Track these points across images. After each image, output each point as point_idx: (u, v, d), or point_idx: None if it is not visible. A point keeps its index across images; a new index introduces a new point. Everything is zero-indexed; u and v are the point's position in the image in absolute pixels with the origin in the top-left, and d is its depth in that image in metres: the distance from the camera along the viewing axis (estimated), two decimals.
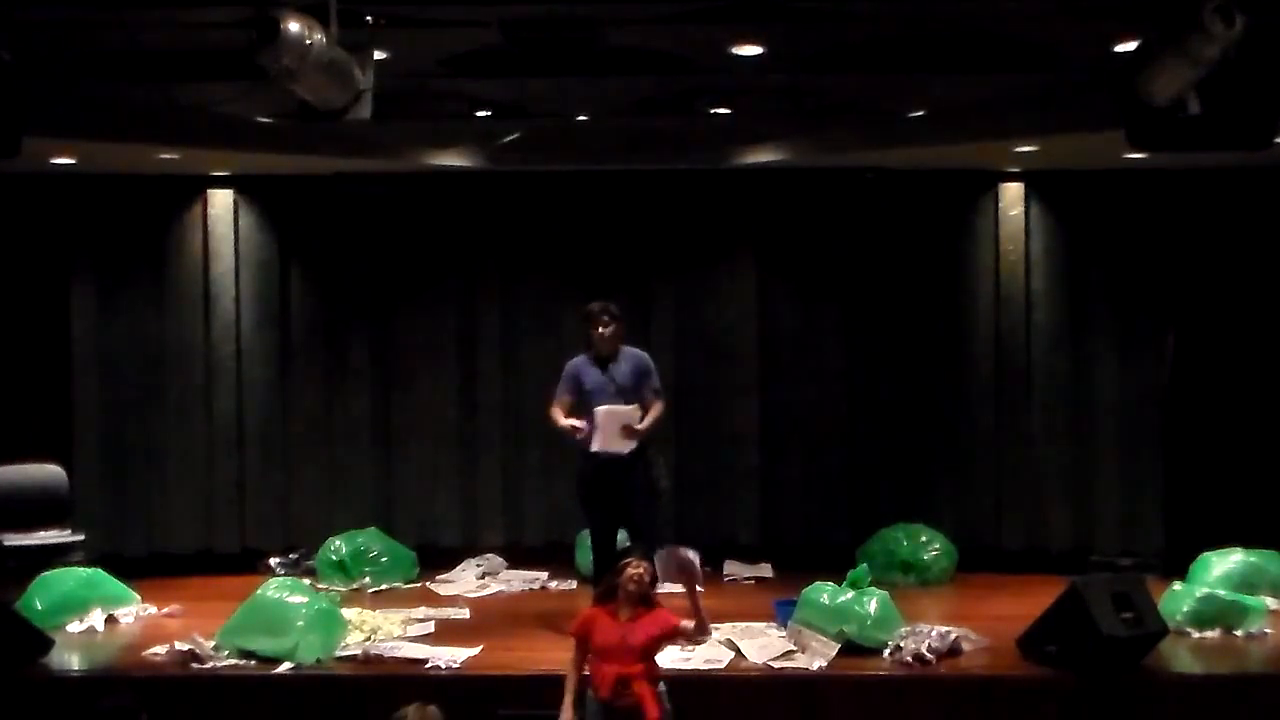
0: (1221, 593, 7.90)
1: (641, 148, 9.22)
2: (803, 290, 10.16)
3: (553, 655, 6.95)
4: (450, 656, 7.20)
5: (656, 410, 7.78)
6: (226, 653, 7.21)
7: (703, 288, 10.19)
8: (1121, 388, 9.78)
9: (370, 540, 9.58)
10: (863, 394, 10.06)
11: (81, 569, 8.52)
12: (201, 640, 7.28)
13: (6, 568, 8.53)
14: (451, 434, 10.21)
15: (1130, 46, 6.11)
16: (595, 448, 7.60)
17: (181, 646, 7.28)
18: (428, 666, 7.08)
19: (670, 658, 6.85)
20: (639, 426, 7.65)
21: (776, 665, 7.08)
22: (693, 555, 6.16)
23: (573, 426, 7.72)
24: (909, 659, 7.02)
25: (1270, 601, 8.11)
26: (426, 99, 8.08)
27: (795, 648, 7.25)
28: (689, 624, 6.03)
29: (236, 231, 10.06)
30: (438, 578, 9.61)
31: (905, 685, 6.91)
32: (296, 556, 9.76)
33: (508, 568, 9.84)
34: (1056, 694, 6.83)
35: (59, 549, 8.86)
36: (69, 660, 7.45)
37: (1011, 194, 9.90)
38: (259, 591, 7.42)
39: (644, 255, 10.12)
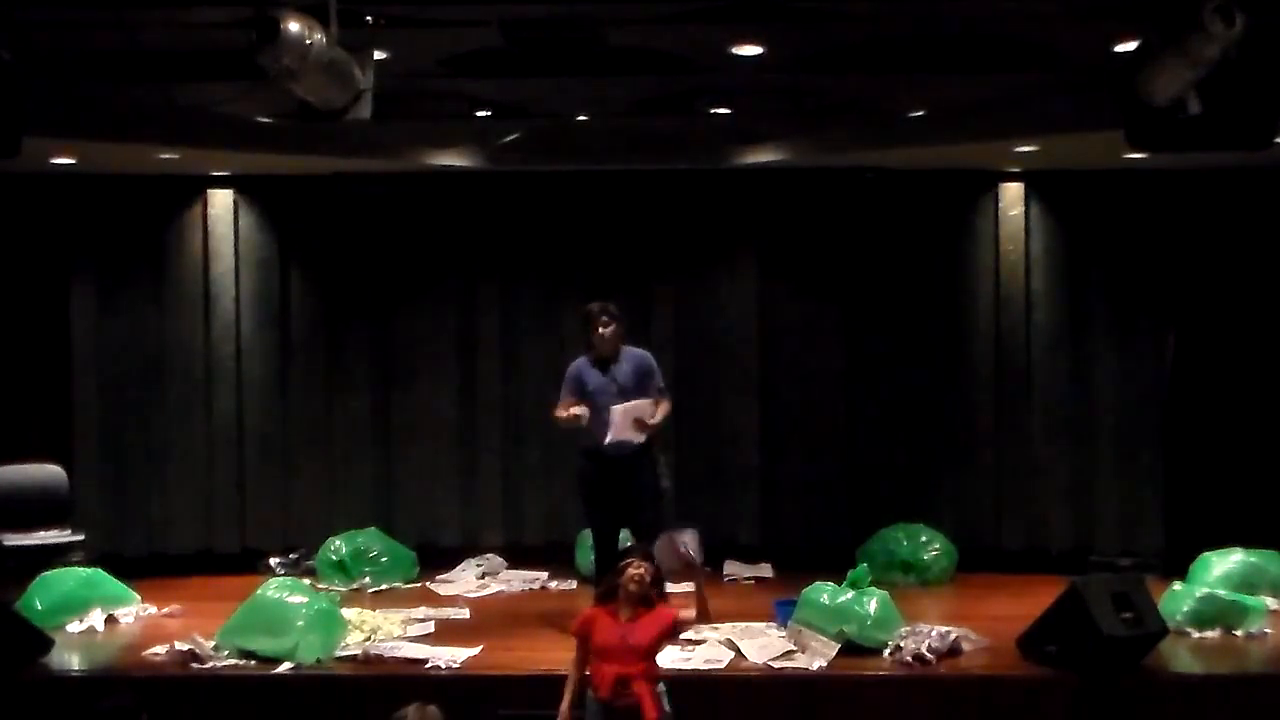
0: (1221, 593, 7.90)
1: (641, 148, 9.22)
2: (803, 290, 10.16)
3: (553, 655, 6.95)
4: (450, 656, 7.20)
5: (664, 408, 7.80)
6: (226, 653, 7.21)
7: (703, 288, 10.19)
8: (1121, 388, 9.78)
9: (370, 540, 9.58)
10: (863, 394, 10.05)
11: (81, 569, 8.53)
12: (201, 640, 7.28)
13: (6, 568, 8.53)
14: (451, 434, 10.21)
15: (1130, 46, 6.11)
16: (609, 439, 7.60)
17: (181, 646, 7.28)
18: (428, 666, 7.09)
19: (670, 658, 6.86)
20: (651, 421, 7.66)
21: (776, 665, 7.08)
22: (689, 538, 6.16)
23: (573, 415, 7.72)
24: (909, 659, 7.03)
25: (1270, 601, 8.11)
26: (426, 99, 8.08)
27: (795, 648, 7.25)
28: (689, 612, 6.04)
29: (236, 231, 10.07)
30: (438, 578, 9.61)
31: (905, 685, 6.92)
32: (296, 556, 9.76)
33: (508, 568, 9.84)
34: (1056, 694, 6.83)
35: (59, 549, 8.87)
36: (69, 660, 7.45)
37: (1011, 194, 9.90)
38: (259, 591, 7.42)
39: (644, 255, 10.12)
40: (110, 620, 8.23)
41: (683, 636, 7.36)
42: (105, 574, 8.53)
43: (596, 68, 7.37)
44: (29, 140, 6.47)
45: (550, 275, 10.16)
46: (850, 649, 7.13)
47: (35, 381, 9.77)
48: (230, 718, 6.95)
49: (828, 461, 10.08)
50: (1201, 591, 7.89)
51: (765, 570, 9.69)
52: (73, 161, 8.99)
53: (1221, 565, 8.23)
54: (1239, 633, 7.73)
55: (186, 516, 9.99)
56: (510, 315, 10.21)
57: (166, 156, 8.92)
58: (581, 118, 8.70)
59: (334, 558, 9.46)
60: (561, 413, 7.76)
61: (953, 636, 7.26)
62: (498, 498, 10.21)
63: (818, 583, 7.47)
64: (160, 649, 7.38)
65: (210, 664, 7.14)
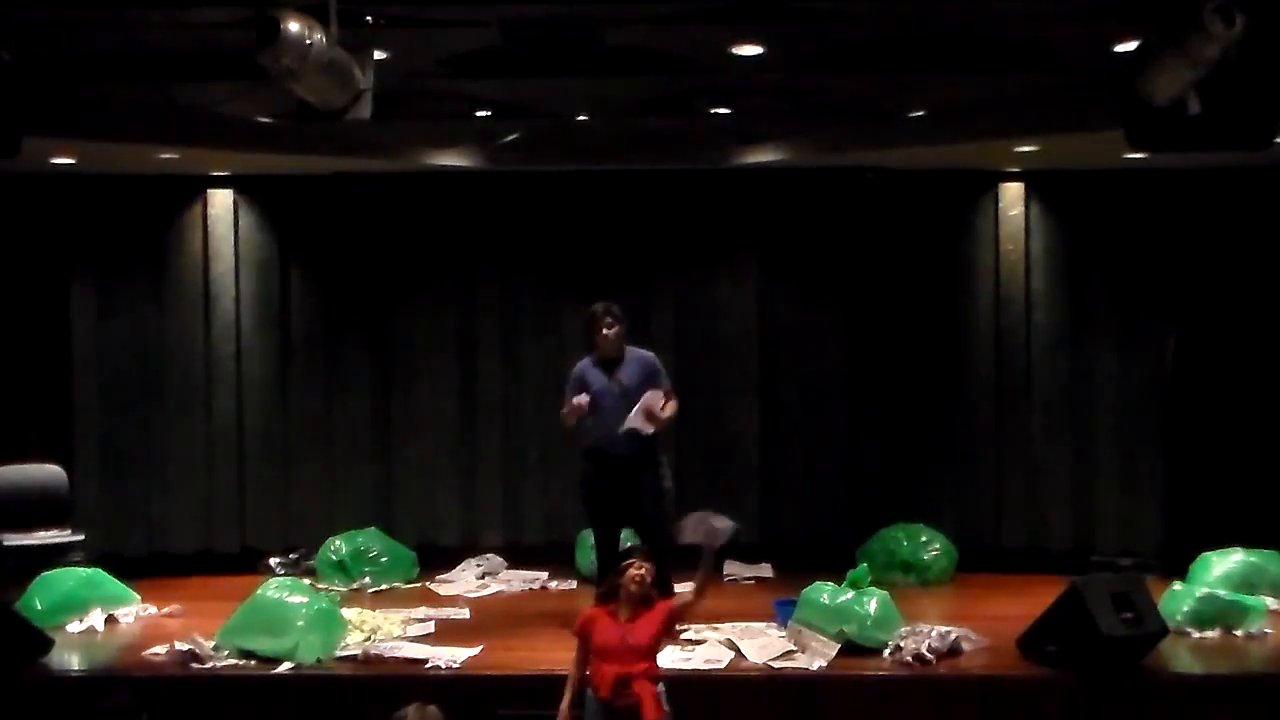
0: (1221, 593, 7.90)
1: (641, 148, 9.22)
2: (803, 290, 10.16)
3: (553, 655, 6.94)
4: (450, 656, 7.20)
5: (671, 406, 7.81)
6: (226, 653, 7.21)
7: (703, 288, 10.19)
8: (1121, 388, 9.77)
9: (370, 540, 9.58)
10: (863, 394, 10.05)
11: (81, 569, 8.53)
12: (201, 640, 7.28)
13: (6, 568, 8.53)
14: (451, 434, 10.21)
15: (1130, 46, 6.10)
16: (624, 429, 7.62)
17: (181, 646, 7.28)
18: (428, 666, 7.08)
19: (670, 658, 6.87)
20: (661, 414, 7.67)
21: (776, 665, 7.08)
22: (724, 525, 6.15)
23: (578, 404, 7.73)
24: (909, 659, 7.02)
25: (1270, 601, 8.11)
26: (426, 99, 8.08)
27: (795, 648, 7.25)
28: (686, 595, 6.06)
29: (236, 231, 10.06)
30: (438, 578, 9.61)
31: (905, 685, 6.91)
32: (296, 556, 9.76)
33: (508, 568, 9.84)
34: (1056, 694, 6.83)
35: (59, 549, 8.86)
36: (69, 660, 7.45)
37: (1011, 194, 9.90)
38: (259, 591, 7.42)
39: (644, 255, 10.12)
40: (110, 620, 8.23)
41: (683, 637, 7.40)
42: (105, 574, 8.53)
43: (596, 68, 7.37)
44: (29, 140, 6.47)
45: (550, 275, 10.16)
46: (850, 649, 7.13)
47: (35, 381, 9.77)
48: (230, 718, 6.95)
49: (828, 462, 10.08)
50: (1201, 591, 7.89)
51: (765, 570, 9.69)
52: (73, 161, 8.99)
53: (1221, 565, 8.23)
54: (1239, 633, 7.73)
55: (186, 516, 9.99)
56: (510, 315, 10.21)
57: (166, 156, 8.92)
58: (581, 118, 8.70)
59: (334, 558, 9.46)
60: (567, 411, 7.78)
61: (953, 636, 7.26)
62: (498, 498, 10.21)
63: (818, 583, 7.48)
64: (160, 649, 7.38)
65: (210, 664, 7.14)
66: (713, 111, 8.46)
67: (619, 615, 5.96)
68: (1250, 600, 7.90)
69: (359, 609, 8.29)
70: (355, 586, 9.25)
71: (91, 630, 8.07)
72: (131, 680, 6.89)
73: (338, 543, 9.53)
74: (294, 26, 5.31)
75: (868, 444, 10.03)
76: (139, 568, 9.39)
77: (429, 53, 7.21)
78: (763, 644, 7.34)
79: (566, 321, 10.04)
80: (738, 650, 7.26)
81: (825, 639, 7.15)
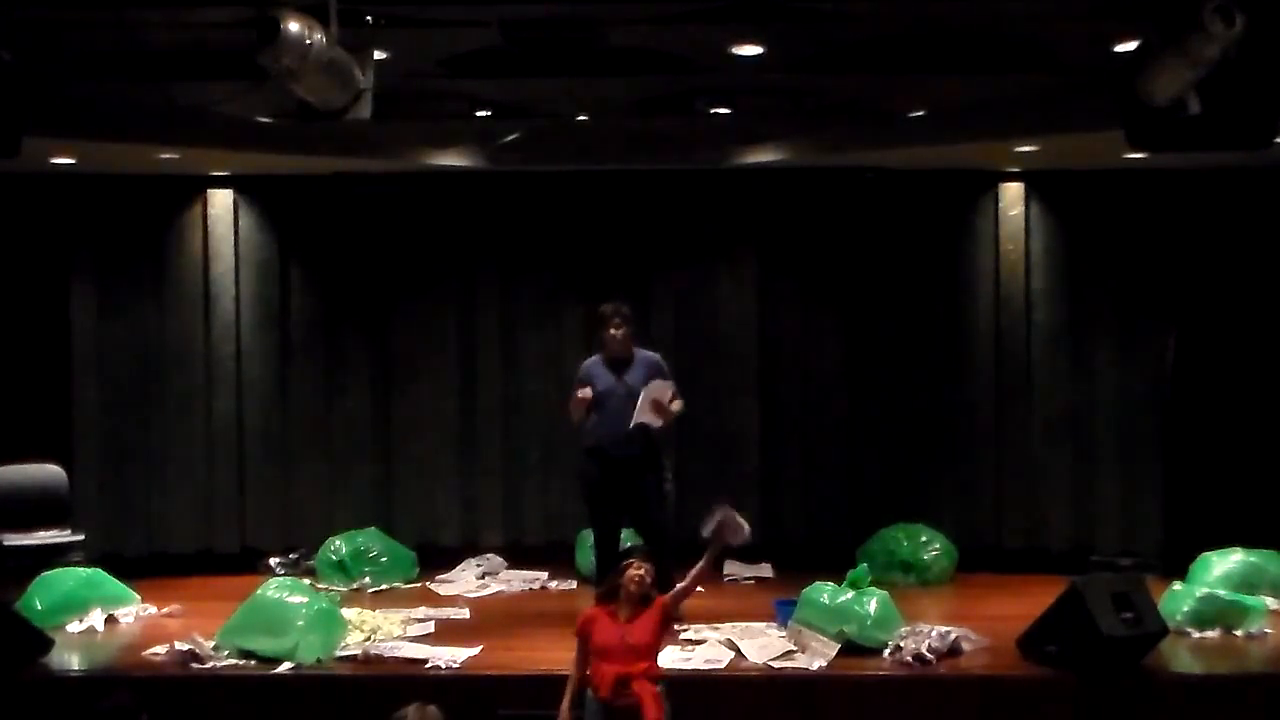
0: (1221, 593, 7.90)
1: (641, 148, 9.22)
2: (803, 290, 10.16)
3: (553, 655, 6.94)
4: (450, 656, 7.20)
5: (678, 404, 7.82)
6: (226, 653, 7.20)
7: (703, 288, 10.19)
8: (1121, 388, 9.77)
9: (370, 540, 9.58)
10: (863, 394, 10.05)
11: (81, 569, 8.53)
12: (201, 640, 7.28)
13: (6, 568, 8.53)
14: (451, 434, 10.21)
15: (1130, 46, 6.11)
16: (633, 422, 7.62)
17: (181, 646, 7.28)
18: (428, 666, 7.08)
19: (670, 658, 6.86)
20: (670, 405, 7.66)
21: (776, 665, 7.08)
22: (744, 524, 6.18)
23: (580, 397, 7.75)
24: (909, 659, 7.02)
25: (1270, 601, 8.10)
26: (426, 99, 8.08)
27: (795, 648, 7.25)
28: (681, 584, 6.08)
29: (236, 231, 10.06)
30: (438, 578, 9.61)
31: (905, 685, 6.91)
32: (296, 556, 9.76)
33: (508, 568, 9.84)
34: (1056, 694, 6.83)
35: (59, 549, 8.86)
36: (69, 660, 7.45)
37: (1011, 194, 9.90)
38: (259, 591, 7.42)
39: (644, 255, 10.12)
40: (110, 620, 8.23)
41: (683, 636, 7.40)
42: (105, 574, 8.53)
43: (596, 68, 7.37)
44: (29, 140, 6.47)
45: (550, 275, 10.16)
46: (850, 649, 7.13)
47: (35, 381, 9.76)
48: (230, 718, 6.95)
49: (828, 461, 10.08)
50: (1201, 591, 7.88)
51: (765, 570, 9.69)
52: (73, 161, 8.98)
53: (1221, 565, 8.23)
54: (1239, 633, 7.73)
55: (186, 516, 9.99)
56: (510, 315, 10.21)
57: (166, 156, 8.92)
58: (581, 118, 8.70)
59: (334, 558, 9.45)
60: (574, 408, 7.79)
61: (953, 636, 7.26)
62: (498, 498, 10.21)
63: (818, 583, 7.48)
64: (160, 649, 7.38)
65: (210, 664, 7.14)
66: (713, 111, 8.45)
67: (619, 615, 5.97)
68: (1250, 600, 7.89)
69: (359, 609, 8.29)
70: (355, 586, 9.25)
71: (91, 630, 8.07)
72: (131, 680, 6.89)
73: (338, 543, 9.53)
74: (294, 26, 5.32)
75: (868, 444, 10.03)
76: (139, 568, 9.39)
77: (429, 53, 7.21)
78: (763, 644, 7.34)
79: (566, 321, 10.07)
80: (738, 650, 7.26)
81: (825, 639, 7.15)
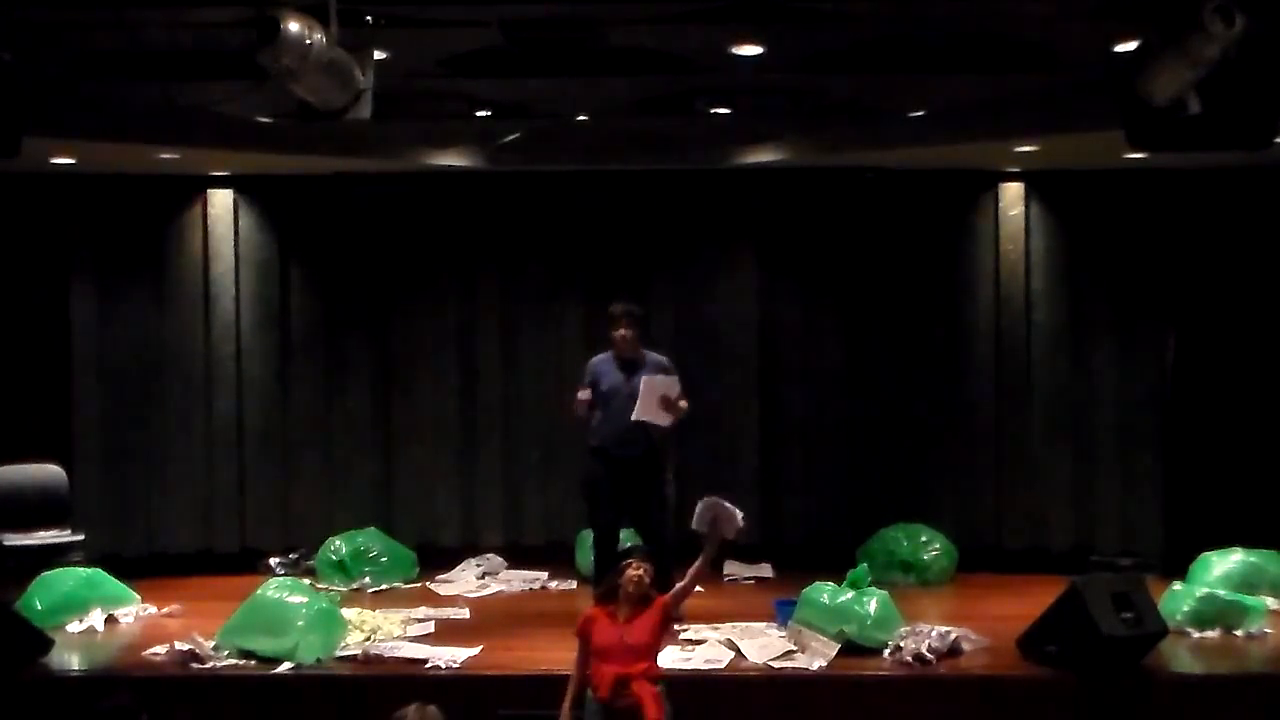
0: (1221, 593, 7.90)
1: (641, 148, 9.22)
2: (803, 290, 10.16)
3: (553, 655, 6.95)
4: (450, 656, 7.20)
5: (683, 405, 7.81)
6: (226, 653, 7.21)
7: (703, 287, 10.18)
8: (1121, 388, 9.78)
9: (370, 540, 9.58)
10: (863, 394, 10.05)
11: (81, 569, 8.53)
12: (201, 640, 7.28)
13: (6, 568, 8.53)
14: (451, 434, 10.21)
15: (1130, 46, 6.10)
16: (636, 417, 7.61)
17: (181, 646, 7.28)
18: (428, 666, 7.09)
19: (670, 658, 6.87)
20: (679, 402, 7.67)
21: (776, 665, 7.08)
22: (735, 514, 6.17)
23: (580, 400, 7.75)
24: (909, 659, 7.02)
25: (1270, 601, 8.11)
26: (426, 99, 8.08)
27: (795, 648, 7.25)
28: (681, 583, 6.08)
29: (236, 231, 10.06)
30: (438, 578, 9.61)
31: (905, 685, 6.91)
32: (296, 556, 9.76)
33: (508, 568, 9.84)
34: (1056, 694, 6.83)
35: (59, 549, 8.86)
36: (69, 660, 7.45)
37: (1011, 194, 9.90)
38: (259, 591, 7.42)
39: (644, 255, 10.12)
40: (110, 620, 8.23)
41: (683, 636, 7.40)
42: (105, 574, 8.53)
43: (596, 68, 7.37)
44: (29, 140, 6.48)
45: (550, 275, 10.16)
46: (850, 649, 7.13)
47: (35, 381, 9.76)
48: (230, 718, 6.95)
49: (828, 461, 10.08)
50: (1201, 591, 7.89)
51: (765, 570, 9.69)
52: (73, 161, 8.98)
53: (1221, 565, 8.23)
54: (1239, 633, 7.73)
55: (186, 516, 9.99)
56: (510, 315, 10.21)
57: (166, 156, 8.92)
58: (581, 118, 8.70)
59: (334, 558, 9.46)
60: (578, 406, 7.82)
61: (953, 636, 7.26)
62: (498, 498, 10.21)
63: (818, 583, 7.48)
64: (160, 649, 7.38)
65: (210, 664, 7.14)
66: (713, 111, 8.46)
67: (618, 616, 5.96)
68: (1250, 600, 7.90)
69: (359, 609, 8.29)
70: (355, 586, 9.25)
71: (91, 630, 8.07)
72: (131, 680, 6.89)
73: (338, 543, 9.53)
74: (294, 26, 5.31)
75: (868, 444, 10.02)
76: (139, 568, 9.39)
77: (429, 53, 7.21)
78: (763, 644, 7.34)
79: (567, 322, 10.07)
80: (738, 650, 7.26)
81: (825, 639, 7.15)
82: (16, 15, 6.15)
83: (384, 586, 9.33)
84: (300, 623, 7.14)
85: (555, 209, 10.13)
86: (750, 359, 10.15)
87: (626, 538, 7.99)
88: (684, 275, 10.18)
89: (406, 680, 6.81)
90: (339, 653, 7.26)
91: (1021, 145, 8.78)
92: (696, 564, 6.11)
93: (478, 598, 9.13)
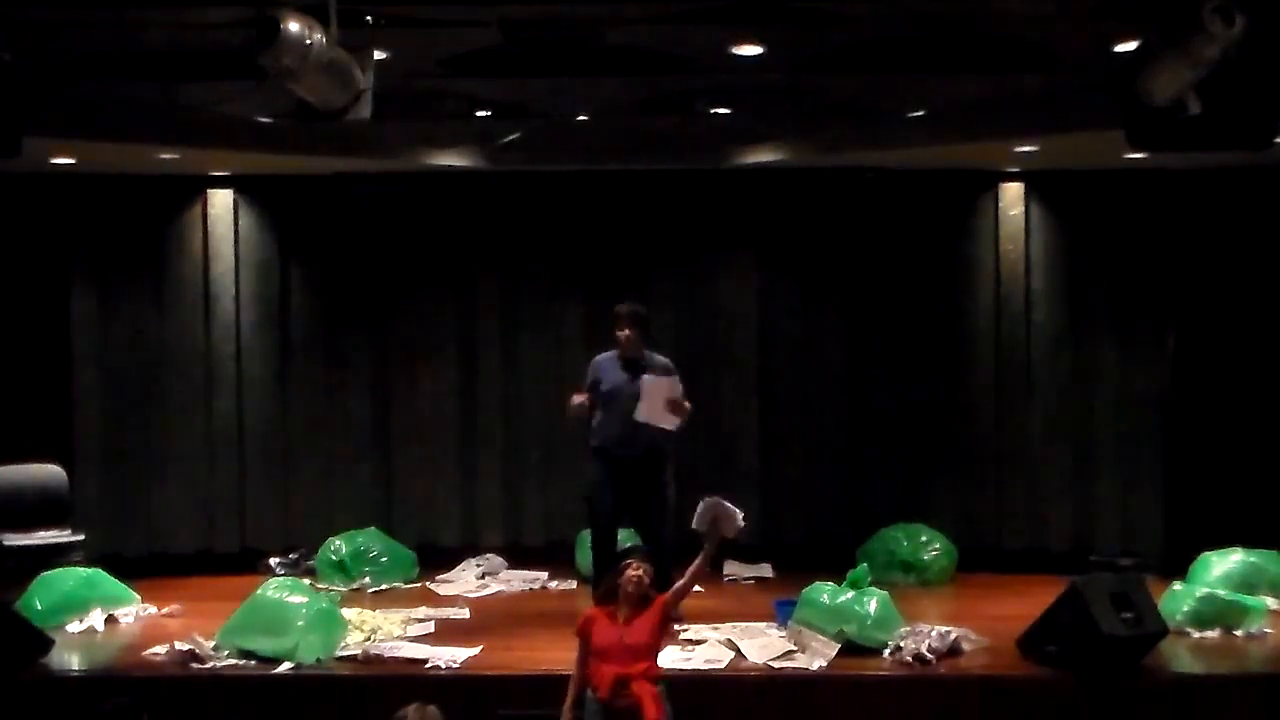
0: (1221, 593, 7.90)
1: (641, 148, 9.22)
2: (803, 290, 10.16)
3: (553, 655, 6.95)
4: (450, 656, 7.20)
5: (687, 407, 7.81)
6: (226, 653, 7.21)
7: (703, 287, 10.18)
8: (1121, 388, 9.78)
9: (370, 540, 9.58)
10: (863, 394, 10.05)
11: (81, 569, 8.52)
12: (201, 640, 7.28)
13: (6, 568, 8.53)
14: (451, 434, 10.20)
15: (1130, 46, 6.11)
16: (639, 418, 7.61)
17: (181, 646, 7.28)
18: (428, 666, 7.08)
19: (670, 658, 6.86)
20: (684, 403, 7.66)
21: (776, 665, 7.08)
22: (735, 513, 6.17)
23: (577, 404, 7.75)
24: (909, 659, 7.02)
25: (1270, 601, 8.10)
26: (426, 99, 8.08)
27: (795, 648, 7.25)
28: (680, 583, 6.08)
29: (236, 231, 10.06)
30: (438, 578, 9.60)
31: (905, 685, 6.91)
32: (296, 556, 9.75)
33: (508, 568, 9.83)
34: (1056, 694, 6.84)
35: (59, 549, 8.86)
36: (69, 660, 7.45)
37: (1011, 194, 9.90)
38: (259, 591, 7.42)
39: (644, 255, 10.12)
40: (110, 620, 8.22)
41: (683, 636, 7.40)
42: (105, 574, 8.53)
43: (596, 68, 7.37)
44: (29, 140, 6.48)
45: (550, 275, 10.16)
46: (850, 649, 7.13)
47: (35, 381, 9.77)
48: (230, 718, 6.94)
49: (828, 461, 10.08)
50: (1201, 591, 7.89)
51: (765, 570, 9.68)
52: (73, 161, 8.98)
53: (1221, 565, 8.23)
54: (1239, 633, 7.73)
55: (186, 516, 9.99)
56: (510, 315, 10.20)
57: (166, 156, 8.92)
58: (582, 118, 8.70)
59: (334, 558, 9.45)
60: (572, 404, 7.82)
61: (953, 636, 7.26)
62: (498, 498, 10.21)
63: (818, 583, 7.48)
64: (160, 649, 7.38)
65: (210, 664, 7.14)
66: (713, 111, 8.46)
67: (618, 616, 5.97)
68: (1250, 600, 7.89)
69: (359, 609, 8.29)
70: (355, 586, 9.24)
71: (91, 630, 8.06)
72: (131, 680, 6.90)
73: (338, 543, 9.53)
74: (294, 26, 5.32)
75: (868, 444, 10.02)
76: (139, 568, 9.39)
77: (429, 53, 7.21)
78: (763, 644, 7.34)
79: (567, 321, 10.07)
80: (738, 650, 7.26)
81: (825, 639, 7.15)
82: (16, 15, 6.15)
83: (384, 586, 9.32)
84: (300, 623, 7.13)
85: (555, 209, 10.12)
86: (750, 359, 10.15)
87: (626, 538, 7.99)
88: (684, 275, 10.17)
89: (406, 680, 6.81)
90: (339, 653, 7.26)
91: (1021, 145, 8.78)
92: (696, 563, 6.11)
93: (478, 598, 9.12)
